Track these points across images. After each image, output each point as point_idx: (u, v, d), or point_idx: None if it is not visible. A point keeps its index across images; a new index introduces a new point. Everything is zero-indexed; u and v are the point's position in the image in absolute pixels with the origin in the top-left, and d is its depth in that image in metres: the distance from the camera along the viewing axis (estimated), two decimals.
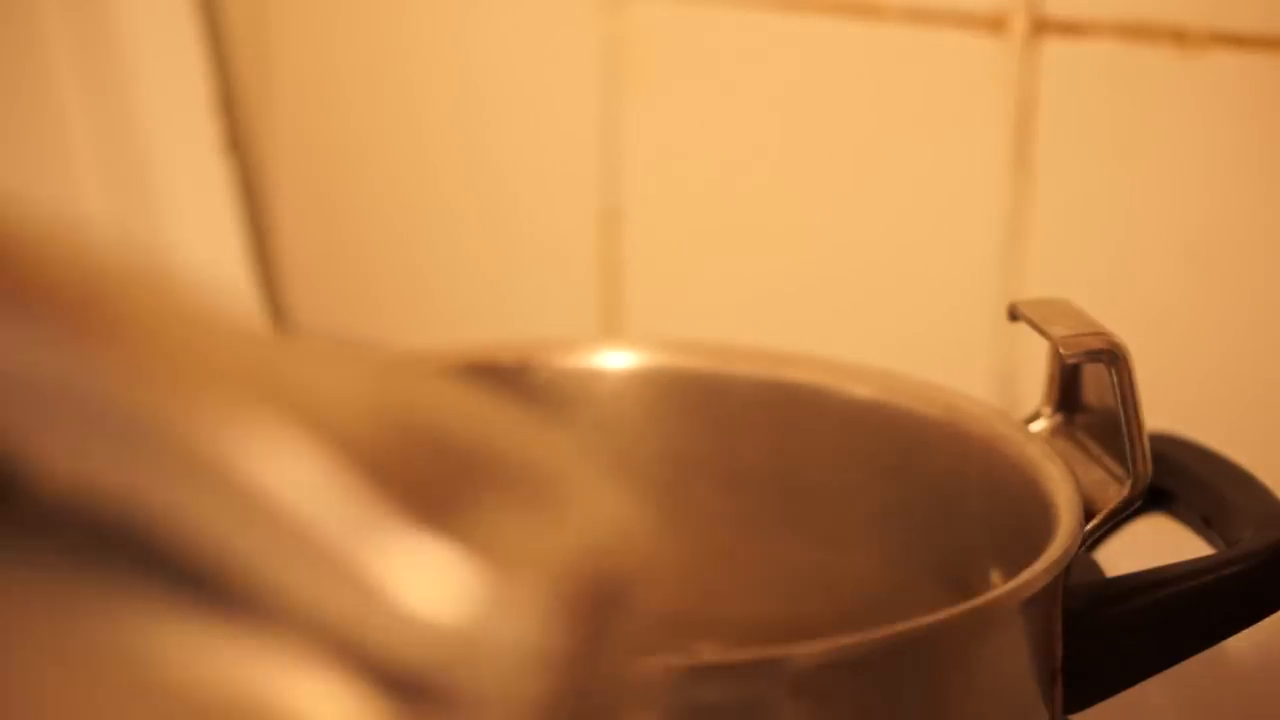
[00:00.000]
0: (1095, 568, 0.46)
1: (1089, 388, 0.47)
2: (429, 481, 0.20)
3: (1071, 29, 0.58)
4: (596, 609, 0.19)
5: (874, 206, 0.63)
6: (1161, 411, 0.48)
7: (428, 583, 0.19)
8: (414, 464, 0.20)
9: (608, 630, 0.19)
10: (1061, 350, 0.44)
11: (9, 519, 0.20)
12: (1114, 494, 0.44)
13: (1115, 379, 0.44)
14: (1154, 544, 0.48)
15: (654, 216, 0.68)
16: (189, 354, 0.20)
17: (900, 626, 0.38)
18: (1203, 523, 0.47)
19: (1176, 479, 0.48)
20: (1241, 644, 0.46)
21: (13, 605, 0.20)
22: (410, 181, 0.72)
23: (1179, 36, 0.56)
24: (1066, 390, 0.48)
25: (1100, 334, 0.44)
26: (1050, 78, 0.59)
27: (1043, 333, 0.45)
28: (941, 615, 0.39)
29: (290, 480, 0.19)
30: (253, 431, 0.19)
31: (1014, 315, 0.46)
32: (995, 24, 0.59)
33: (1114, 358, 0.44)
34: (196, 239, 0.74)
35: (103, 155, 0.80)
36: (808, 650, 0.38)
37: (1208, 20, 0.56)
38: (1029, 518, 0.44)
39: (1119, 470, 0.45)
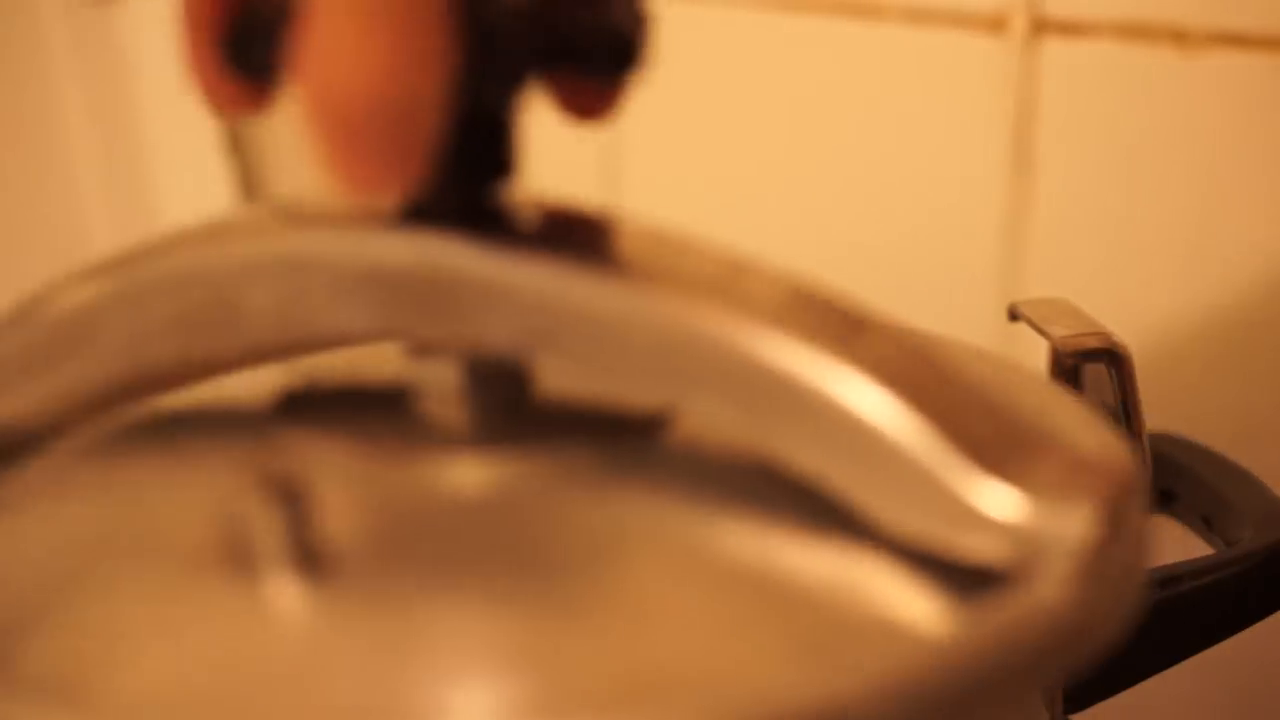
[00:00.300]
0: None
1: (1089, 388, 0.47)
2: (972, 422, 0.27)
3: (1071, 29, 0.58)
4: (1115, 512, 0.26)
5: (873, 206, 0.63)
6: (1161, 411, 0.48)
7: (997, 497, 0.26)
8: (958, 408, 0.27)
9: (1122, 526, 0.26)
10: (1061, 350, 0.44)
11: (658, 460, 0.29)
12: None
13: (1115, 379, 0.44)
14: (1154, 544, 0.48)
15: (654, 216, 0.67)
16: (801, 329, 0.29)
17: None
18: (1203, 523, 0.47)
19: (1176, 479, 0.48)
20: (1242, 644, 0.46)
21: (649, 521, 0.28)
22: None
23: (1179, 36, 0.56)
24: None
25: (1100, 334, 0.44)
26: (1050, 78, 0.59)
27: (1043, 333, 0.45)
28: None
29: (890, 421, 0.27)
30: (853, 383, 0.27)
31: (1014, 315, 0.46)
32: (995, 24, 0.59)
33: (1114, 358, 0.44)
34: None
35: (103, 155, 0.80)
36: None
37: (1208, 20, 0.56)
38: None
39: None
